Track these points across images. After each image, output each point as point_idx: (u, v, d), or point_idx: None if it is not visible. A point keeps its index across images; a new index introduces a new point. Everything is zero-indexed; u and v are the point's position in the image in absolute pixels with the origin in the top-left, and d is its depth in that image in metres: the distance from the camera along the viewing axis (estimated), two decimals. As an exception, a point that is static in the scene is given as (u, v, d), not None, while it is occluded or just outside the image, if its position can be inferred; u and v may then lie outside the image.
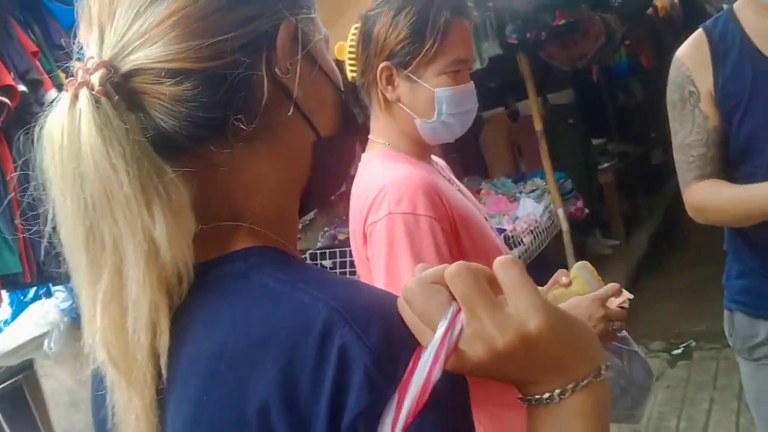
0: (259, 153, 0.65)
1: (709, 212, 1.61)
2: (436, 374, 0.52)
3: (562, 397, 0.56)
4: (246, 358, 0.56)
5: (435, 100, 1.35)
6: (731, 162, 1.61)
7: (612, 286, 1.35)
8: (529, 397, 0.57)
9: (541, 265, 4.40)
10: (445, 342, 0.53)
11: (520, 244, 4.01)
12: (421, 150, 1.44)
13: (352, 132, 0.75)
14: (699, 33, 1.66)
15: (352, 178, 1.42)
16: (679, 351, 4.06)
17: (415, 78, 1.35)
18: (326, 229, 4.09)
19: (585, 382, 0.56)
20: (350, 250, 3.12)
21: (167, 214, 0.57)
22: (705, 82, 1.61)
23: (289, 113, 0.65)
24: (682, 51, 1.68)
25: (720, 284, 1.79)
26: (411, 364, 0.53)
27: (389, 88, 1.37)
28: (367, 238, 1.30)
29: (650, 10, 6.84)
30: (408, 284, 0.57)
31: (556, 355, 0.55)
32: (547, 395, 0.56)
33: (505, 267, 0.56)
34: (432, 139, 1.42)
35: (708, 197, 1.59)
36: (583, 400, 0.56)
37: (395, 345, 0.55)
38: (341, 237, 3.79)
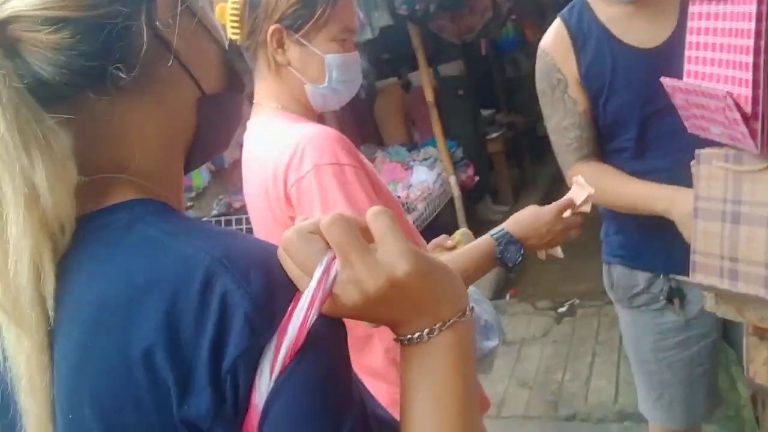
0: (141, 106, 0.65)
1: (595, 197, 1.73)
2: (312, 317, 0.56)
3: (431, 335, 0.60)
4: (129, 304, 0.58)
5: (325, 65, 1.37)
6: (602, 139, 1.74)
7: (566, 199, 1.46)
8: (401, 338, 0.62)
9: (435, 230, 4.53)
10: (320, 287, 0.57)
11: (414, 210, 4.11)
12: (310, 115, 1.45)
13: (237, 90, 0.76)
14: (557, 23, 1.76)
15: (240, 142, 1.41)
16: (563, 309, 4.30)
17: (305, 42, 1.35)
18: (221, 197, 4.03)
19: (451, 321, 0.61)
20: (247, 218, 3.11)
21: (47, 161, 0.57)
22: (570, 69, 1.71)
23: (169, 64, 0.66)
24: (545, 42, 1.77)
25: (598, 246, 1.92)
26: (290, 308, 0.57)
27: (279, 51, 1.37)
28: (293, 198, 1.28)
29: (535, -14, 7.10)
30: (286, 234, 0.60)
31: (423, 297, 0.60)
32: (417, 334, 0.61)
33: (376, 216, 0.60)
34: (320, 105, 1.43)
35: (594, 183, 1.67)
36: (450, 337, 0.61)
37: (274, 291, 0.58)
38: (236, 205, 3.76)
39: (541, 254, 1.51)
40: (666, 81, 1.33)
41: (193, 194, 3.96)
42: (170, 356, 0.55)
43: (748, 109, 1.12)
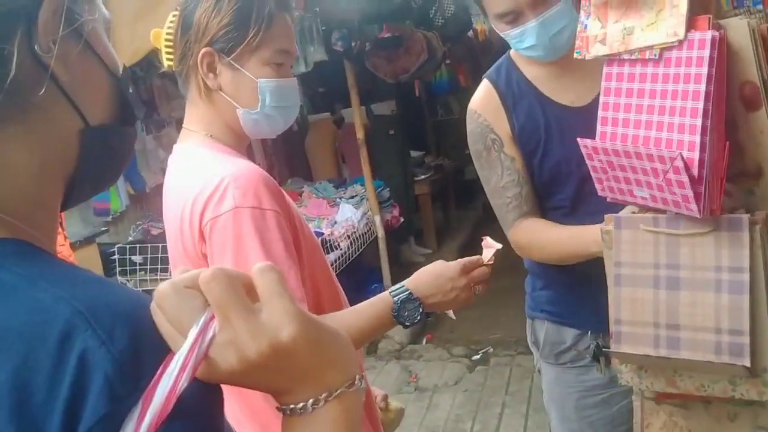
0: (9, 135, 0.58)
1: (534, 252, 1.70)
2: (183, 383, 0.50)
3: (315, 406, 0.56)
4: None
5: (258, 90, 1.32)
6: (539, 197, 1.72)
7: (473, 258, 1.41)
8: (284, 407, 0.57)
9: (357, 270, 4.50)
10: (194, 349, 0.51)
11: (337, 248, 4.06)
12: (240, 143, 1.40)
13: (127, 122, 0.70)
14: (485, 84, 1.74)
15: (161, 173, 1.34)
16: (477, 357, 4.33)
17: (237, 66, 1.31)
18: (139, 222, 3.87)
19: (338, 391, 0.56)
20: (163, 246, 2.97)
21: None
22: (503, 128, 1.69)
23: (42, 92, 0.59)
24: (475, 103, 1.75)
25: (515, 295, 1.92)
26: (158, 372, 0.51)
27: (210, 75, 1.31)
28: (206, 234, 1.22)
29: (470, 33, 7.28)
30: (160, 287, 0.55)
31: (309, 364, 0.55)
32: (300, 405, 0.56)
33: (263, 273, 0.55)
34: (253, 132, 1.38)
35: (533, 239, 1.67)
36: (337, 409, 0.56)
37: (142, 352, 0.52)
38: (155, 232, 3.62)
39: (451, 314, 1.46)
40: (584, 143, 1.29)
41: (109, 218, 3.78)
42: (15, 421, 0.49)
43: (695, 172, 1.10)
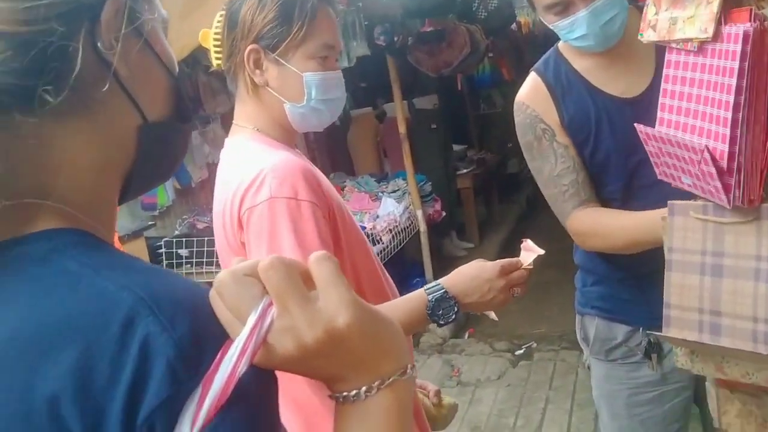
0: (73, 130, 0.61)
1: (598, 240, 1.65)
2: (242, 368, 0.51)
3: (368, 394, 0.56)
4: (39, 344, 0.53)
5: (304, 84, 1.34)
6: None
7: (513, 260, 1.39)
8: (336, 395, 0.58)
9: (399, 264, 4.51)
10: (253, 335, 0.52)
11: (379, 242, 4.08)
12: (289, 137, 1.42)
13: (184, 120, 0.72)
14: (533, 77, 1.73)
15: (213, 167, 1.37)
16: (521, 351, 4.29)
17: (283, 62, 1.32)
18: (185, 216, 3.95)
19: (390, 380, 0.57)
20: (209, 240, 3.02)
21: None
22: (552, 118, 1.67)
23: (105, 88, 0.61)
24: (522, 95, 1.73)
25: (559, 290, 1.90)
26: (217, 357, 0.52)
27: (257, 71, 1.33)
28: (244, 223, 1.25)
29: (513, 26, 7.20)
30: (220, 275, 0.56)
31: (363, 351, 0.56)
32: (354, 392, 0.56)
33: (319, 262, 0.56)
34: (300, 126, 1.40)
35: (596, 227, 1.63)
36: (389, 398, 0.57)
37: (202, 338, 0.53)
38: (200, 226, 3.68)
39: (492, 315, 1.45)
40: (640, 128, 1.31)
41: (156, 213, 3.87)
42: (78, 404, 0.51)
43: (724, 164, 1.11)
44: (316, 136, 5.03)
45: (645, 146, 1.33)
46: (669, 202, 1.27)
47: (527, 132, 1.70)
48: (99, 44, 0.60)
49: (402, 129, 4.57)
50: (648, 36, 1.27)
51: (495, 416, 3.63)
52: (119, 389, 0.51)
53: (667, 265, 1.27)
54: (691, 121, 1.21)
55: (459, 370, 4.16)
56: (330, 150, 5.46)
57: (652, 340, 1.69)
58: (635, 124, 1.33)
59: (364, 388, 0.56)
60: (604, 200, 1.68)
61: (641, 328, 1.71)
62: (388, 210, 4.35)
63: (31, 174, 0.60)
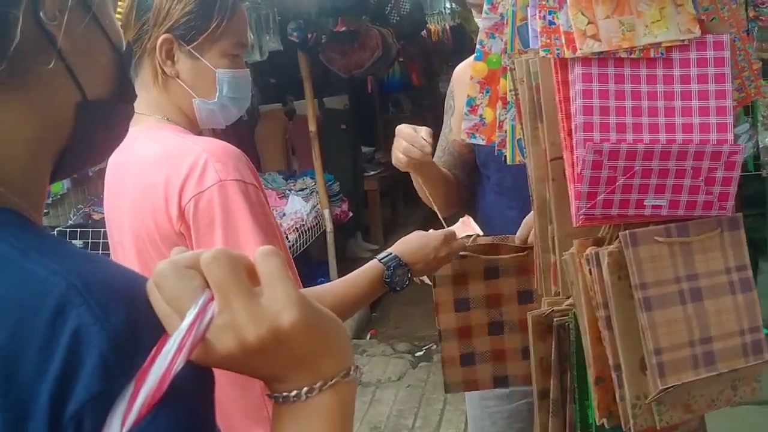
0: (10, 103, 0.57)
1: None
2: (178, 364, 0.49)
3: (309, 395, 0.55)
4: None
5: (216, 80, 1.32)
6: (475, 177, 1.96)
7: (450, 230, 1.54)
8: (276, 394, 0.56)
9: (303, 263, 4.47)
10: (192, 330, 0.50)
11: (285, 241, 4.03)
12: (195, 128, 1.38)
13: (126, 100, 0.68)
14: (472, 58, 1.83)
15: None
16: (421, 353, 4.36)
17: (197, 55, 1.30)
18: (80, 206, 3.75)
19: (333, 381, 0.56)
20: (105, 231, 2.89)
21: None
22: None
23: (51, 65, 0.57)
24: (456, 69, 1.94)
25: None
26: (153, 352, 0.50)
27: (168, 62, 1.30)
28: (188, 213, 1.19)
29: (424, 33, 7.32)
30: (159, 266, 0.54)
31: (306, 351, 0.55)
32: (294, 393, 0.55)
33: (265, 257, 0.54)
34: (206, 121, 1.37)
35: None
36: (331, 399, 0.56)
37: (137, 330, 0.51)
38: (96, 216, 3.51)
39: (426, 279, 1.56)
40: (598, 147, 1.11)
41: (49, 201, 3.65)
42: (1, 394, 0.47)
43: (735, 171, 1.11)
44: (222, 130, 4.92)
45: (587, 170, 1.12)
46: (623, 233, 1.12)
47: (446, 99, 1.98)
48: (41, 14, 0.56)
49: (312, 127, 4.54)
50: (589, 47, 1.10)
51: (395, 416, 3.67)
52: (46, 380, 0.48)
53: (645, 305, 1.11)
54: (657, 135, 1.12)
55: (360, 370, 4.16)
56: (237, 145, 5.33)
57: None
58: (589, 144, 1.12)
59: (305, 389, 0.55)
60: (483, 182, 1.93)
61: None
62: (295, 208, 4.31)
63: None
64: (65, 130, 0.62)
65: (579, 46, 1.11)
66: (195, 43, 1.29)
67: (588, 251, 1.13)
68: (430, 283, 1.60)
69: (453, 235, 1.51)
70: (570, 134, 1.14)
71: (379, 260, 1.40)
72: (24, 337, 0.49)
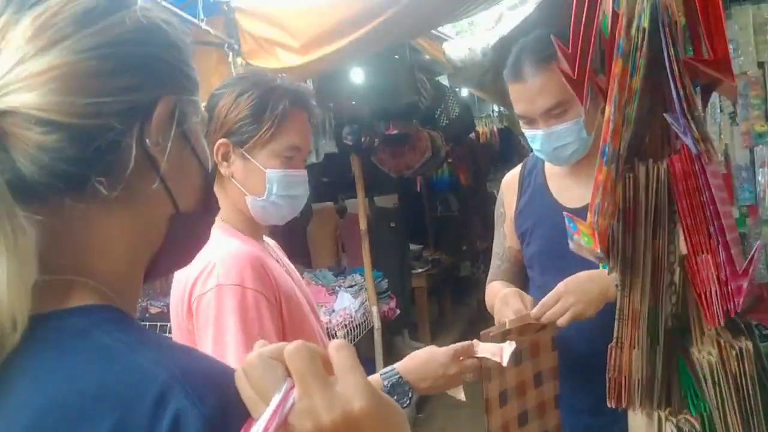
0: (115, 215, 0.66)
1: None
2: None
3: None
4: (76, 412, 0.56)
5: (266, 179, 1.41)
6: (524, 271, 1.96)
7: (466, 344, 1.45)
8: None
9: (351, 360, 4.46)
10: (276, 415, 0.56)
11: (333, 337, 4.06)
12: (252, 227, 1.48)
13: (210, 211, 0.78)
14: (521, 165, 1.96)
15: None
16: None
17: (249, 157, 1.40)
18: (138, 300, 3.87)
19: None
20: (161, 325, 2.99)
21: (11, 257, 0.57)
22: (510, 206, 1.92)
23: (155, 186, 0.67)
24: (505, 176, 2.00)
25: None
26: None
27: (224, 164, 1.42)
28: (194, 311, 1.30)
29: (472, 135, 7.52)
30: (249, 357, 0.60)
31: None
32: None
33: (339, 349, 0.60)
34: (262, 218, 1.47)
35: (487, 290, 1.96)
36: None
37: (229, 415, 0.57)
38: (153, 310, 3.62)
39: (459, 394, 1.47)
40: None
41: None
42: None
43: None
44: (275, 226, 5.05)
45: None
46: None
47: (497, 207, 2.02)
48: (147, 141, 0.66)
49: (363, 225, 4.66)
50: None
51: None
52: None
53: None
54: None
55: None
56: (289, 241, 5.48)
57: None
58: None
59: None
60: (537, 286, 1.87)
61: None
62: (344, 305, 4.35)
63: (72, 253, 0.64)
64: (159, 238, 0.71)
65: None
66: (247, 146, 1.40)
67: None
68: (463, 399, 1.49)
69: (466, 350, 1.44)
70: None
71: (380, 375, 1.40)
72: (131, 419, 0.55)
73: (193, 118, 0.72)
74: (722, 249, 1.12)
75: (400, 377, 1.38)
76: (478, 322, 7.54)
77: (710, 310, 1.13)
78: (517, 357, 1.59)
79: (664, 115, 1.09)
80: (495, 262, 1.99)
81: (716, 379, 1.12)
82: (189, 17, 2.62)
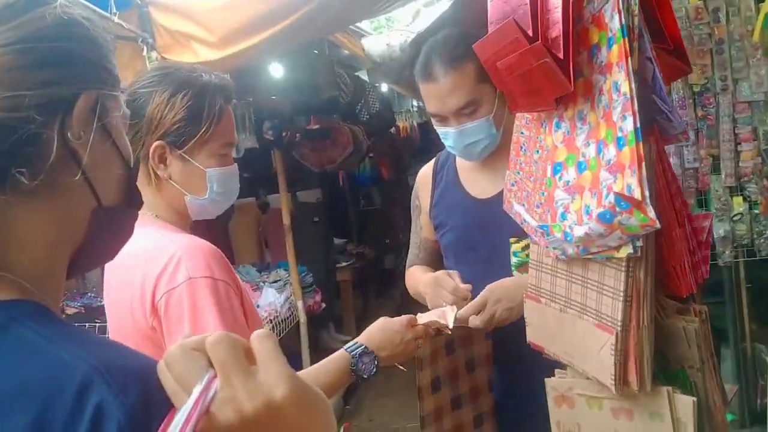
0: (36, 208, 0.66)
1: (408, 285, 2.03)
2: None
3: None
4: None
5: (207, 179, 1.40)
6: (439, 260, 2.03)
7: (411, 316, 1.58)
8: None
9: (276, 356, 4.44)
10: (198, 405, 0.57)
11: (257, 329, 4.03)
12: (184, 223, 1.47)
13: (133, 206, 0.78)
14: (434, 159, 2.02)
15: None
16: (396, 445, 4.31)
17: (188, 158, 1.39)
18: (62, 295, 3.74)
19: None
20: (79, 326, 2.90)
21: None
22: (425, 199, 1.98)
23: (76, 178, 0.67)
24: (420, 171, 2.05)
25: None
26: (163, 424, 0.57)
27: (161, 165, 1.39)
28: (160, 308, 1.26)
29: (393, 129, 7.61)
30: (171, 349, 0.61)
31: (297, 422, 0.60)
32: None
33: (261, 339, 0.62)
34: (198, 215, 1.47)
35: (408, 275, 2.06)
36: None
37: (151, 406, 0.58)
38: (70, 311, 3.51)
39: (400, 366, 1.56)
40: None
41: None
42: None
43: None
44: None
45: None
46: None
47: (412, 200, 2.08)
48: (69, 134, 0.66)
49: (286, 220, 4.65)
50: None
51: None
52: None
53: None
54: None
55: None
56: (211, 237, 5.39)
57: None
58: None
59: None
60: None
61: None
62: (269, 300, 4.34)
63: None
64: (81, 231, 0.71)
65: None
66: (185, 148, 1.38)
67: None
68: (404, 369, 1.61)
69: (414, 319, 1.57)
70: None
71: (346, 349, 1.46)
72: (52, 412, 0.56)
73: (115, 113, 0.73)
74: (688, 222, 1.21)
75: (366, 347, 1.45)
76: (403, 313, 7.58)
77: (684, 280, 1.21)
78: (449, 347, 1.71)
79: (653, 96, 1.13)
80: (413, 251, 2.08)
81: (699, 343, 1.20)
82: (101, 11, 2.55)
